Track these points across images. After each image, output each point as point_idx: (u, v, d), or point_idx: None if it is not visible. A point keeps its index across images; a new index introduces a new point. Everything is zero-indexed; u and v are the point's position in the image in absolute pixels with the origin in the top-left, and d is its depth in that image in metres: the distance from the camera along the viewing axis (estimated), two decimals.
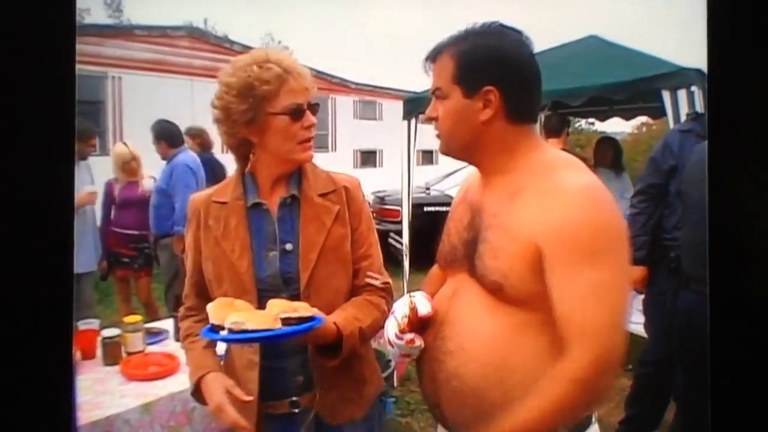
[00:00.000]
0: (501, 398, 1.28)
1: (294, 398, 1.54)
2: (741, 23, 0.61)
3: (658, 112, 5.65)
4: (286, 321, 1.33)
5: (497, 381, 1.29)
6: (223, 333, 1.32)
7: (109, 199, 4.73)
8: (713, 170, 0.63)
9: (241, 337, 1.32)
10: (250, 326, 1.30)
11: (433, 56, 1.38)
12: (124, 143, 4.80)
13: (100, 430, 1.98)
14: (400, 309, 1.45)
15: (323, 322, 1.40)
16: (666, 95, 4.35)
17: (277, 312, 1.34)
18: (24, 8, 0.53)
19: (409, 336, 1.41)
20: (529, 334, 1.28)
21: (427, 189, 9.47)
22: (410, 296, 1.46)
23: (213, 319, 1.36)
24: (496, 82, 1.30)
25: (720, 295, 0.63)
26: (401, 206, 6.30)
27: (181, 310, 1.70)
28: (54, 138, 0.55)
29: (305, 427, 1.54)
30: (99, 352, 2.61)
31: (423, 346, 1.42)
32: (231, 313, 1.34)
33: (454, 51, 1.34)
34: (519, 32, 1.36)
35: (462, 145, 1.39)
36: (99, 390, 2.31)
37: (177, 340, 2.85)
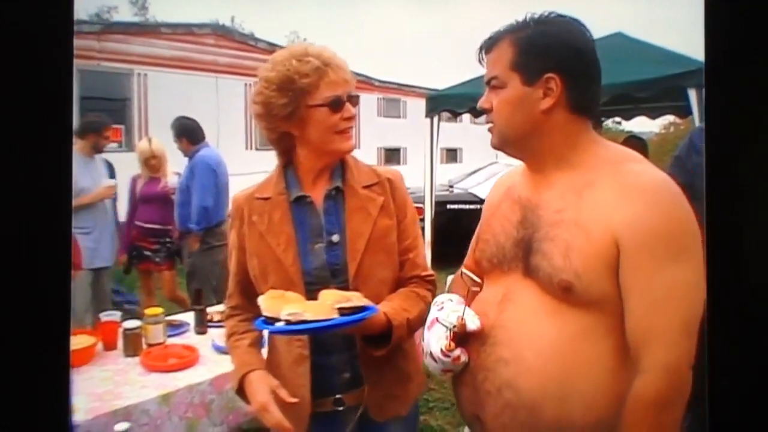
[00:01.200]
0: (557, 415, 1.21)
1: (338, 396, 1.53)
2: (740, 20, 0.61)
3: (685, 111, 5.58)
4: (340, 311, 1.33)
5: (556, 395, 1.21)
6: (279, 324, 1.31)
7: (133, 194, 4.79)
8: (712, 169, 0.63)
9: (299, 328, 1.30)
10: (308, 316, 1.29)
11: (489, 45, 1.32)
12: (148, 139, 4.85)
13: (119, 418, 2.01)
14: (444, 321, 1.37)
15: (378, 312, 1.40)
16: (692, 93, 4.28)
17: (332, 302, 1.34)
18: (21, 1, 0.54)
19: (456, 353, 1.33)
20: (592, 341, 1.21)
21: (451, 187, 9.43)
22: (457, 310, 1.38)
23: (267, 311, 1.34)
24: (559, 70, 1.24)
25: (719, 294, 0.63)
26: (424, 204, 6.30)
27: (226, 309, 1.71)
28: (51, 135, 0.56)
29: (350, 427, 1.52)
30: (120, 343, 2.65)
31: (468, 361, 1.35)
32: (286, 304, 1.33)
33: (514, 38, 1.28)
34: (579, 22, 1.31)
35: (519, 137, 1.31)
36: (119, 380, 2.35)
37: (198, 332, 2.89)
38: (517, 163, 1.44)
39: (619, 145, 1.37)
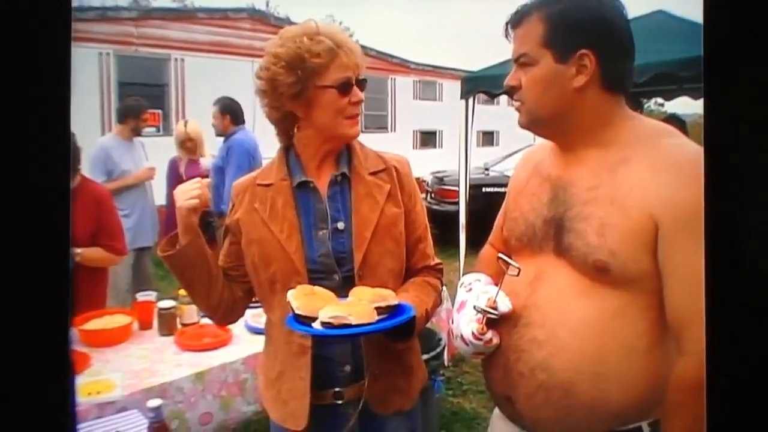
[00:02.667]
0: (592, 395, 1.18)
1: (338, 389, 1.49)
2: (741, 16, 0.58)
3: None
4: (377, 310, 1.28)
5: (591, 375, 1.18)
6: (317, 326, 1.25)
7: (174, 175, 4.82)
8: (711, 166, 0.60)
9: (342, 333, 1.23)
10: (353, 320, 1.22)
11: (517, 20, 1.27)
12: (184, 122, 4.90)
13: (154, 395, 2.05)
14: (473, 304, 1.34)
15: (415, 310, 1.36)
16: None
17: (368, 301, 1.29)
18: None
19: (488, 336, 1.30)
20: (628, 320, 1.18)
21: (486, 170, 9.35)
22: (486, 291, 1.35)
23: (302, 310, 1.28)
24: (592, 46, 1.19)
25: (717, 291, 0.60)
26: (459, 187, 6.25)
27: None
28: (50, 126, 0.55)
29: (350, 421, 1.48)
30: (155, 322, 2.70)
31: (499, 343, 1.32)
32: (320, 302, 1.28)
33: (543, 13, 1.23)
34: None
35: (550, 116, 1.27)
36: (155, 359, 2.39)
37: None
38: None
39: (654, 120, 1.32)
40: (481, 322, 1.30)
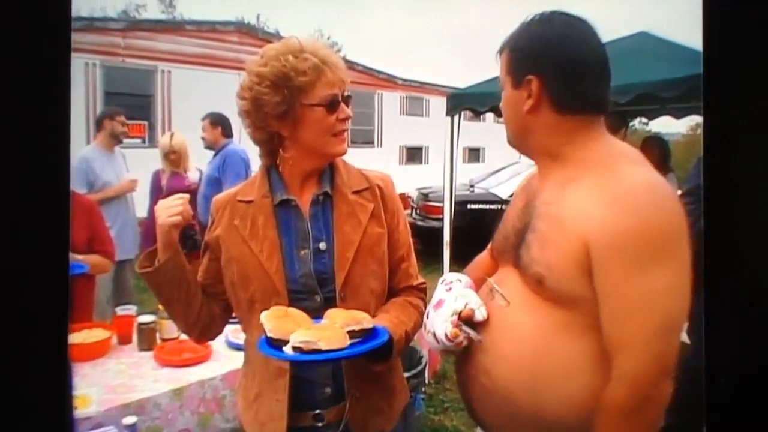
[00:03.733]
0: (529, 403, 1.22)
1: (318, 411, 1.44)
2: (739, 16, 0.58)
3: None
4: (350, 334, 1.26)
5: (528, 385, 1.22)
6: (288, 351, 1.21)
7: (156, 187, 4.79)
8: (709, 167, 0.61)
9: (312, 359, 1.20)
10: (322, 346, 1.19)
11: (500, 50, 1.36)
12: (170, 134, 4.88)
13: (132, 411, 2.03)
14: (450, 305, 1.36)
15: (389, 333, 1.34)
16: None
17: (340, 324, 1.26)
18: None
19: (460, 339, 1.32)
20: (567, 336, 1.20)
21: (471, 186, 9.39)
22: (465, 295, 1.37)
23: (274, 333, 1.25)
24: (538, 71, 1.25)
25: (715, 291, 0.61)
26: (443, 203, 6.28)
27: None
28: (49, 132, 0.55)
29: None
30: (135, 337, 2.67)
31: (468, 345, 1.35)
32: (292, 324, 1.25)
33: (511, 43, 1.32)
34: (582, 20, 1.29)
35: (515, 136, 1.36)
36: (133, 373, 2.37)
37: None
38: None
39: (626, 144, 1.37)
40: (455, 326, 1.33)
